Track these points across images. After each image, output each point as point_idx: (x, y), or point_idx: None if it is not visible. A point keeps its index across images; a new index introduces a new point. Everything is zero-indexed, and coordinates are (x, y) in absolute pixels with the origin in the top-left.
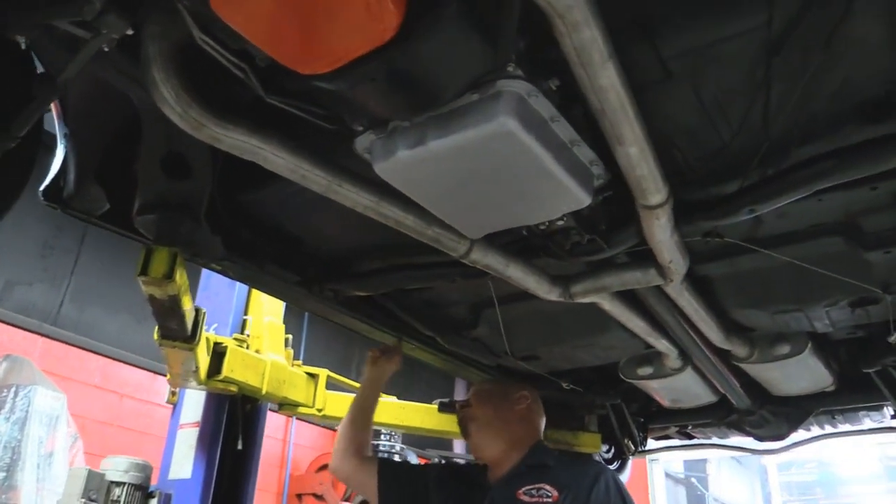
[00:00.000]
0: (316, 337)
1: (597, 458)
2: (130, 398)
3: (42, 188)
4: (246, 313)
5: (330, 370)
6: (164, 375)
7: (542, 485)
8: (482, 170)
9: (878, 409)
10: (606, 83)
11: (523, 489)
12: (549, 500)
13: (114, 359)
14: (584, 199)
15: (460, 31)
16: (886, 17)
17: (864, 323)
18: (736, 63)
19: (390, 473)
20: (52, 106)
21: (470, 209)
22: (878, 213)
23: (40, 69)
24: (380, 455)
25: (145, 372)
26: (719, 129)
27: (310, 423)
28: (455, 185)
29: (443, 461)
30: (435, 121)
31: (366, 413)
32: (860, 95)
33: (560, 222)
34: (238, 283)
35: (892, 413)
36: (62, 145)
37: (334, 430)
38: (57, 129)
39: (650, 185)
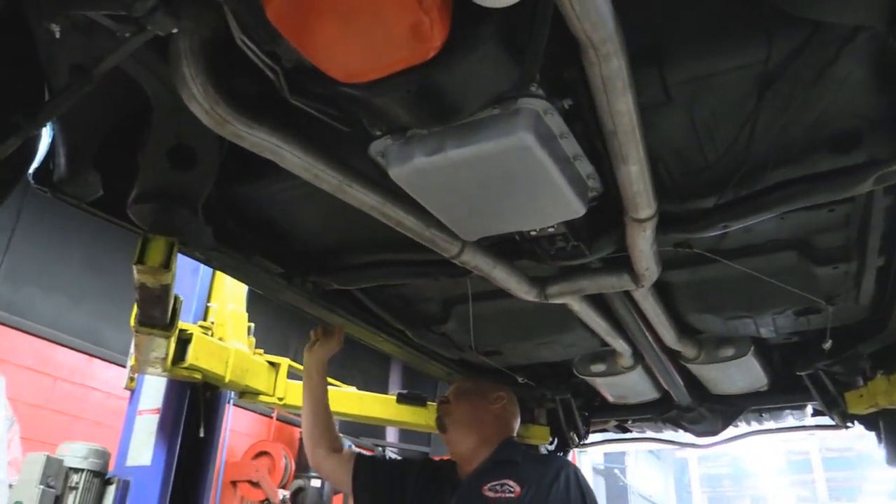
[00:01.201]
0: (257, 322)
1: (542, 449)
2: (65, 381)
3: (31, 171)
4: (209, 300)
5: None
6: (101, 358)
7: (506, 480)
8: (492, 179)
9: (801, 408)
10: (623, 108)
11: (488, 485)
12: (512, 495)
13: (49, 340)
14: (579, 210)
15: (495, 50)
16: (866, 62)
17: (802, 330)
18: (731, 92)
19: (365, 470)
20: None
21: (473, 214)
22: (831, 233)
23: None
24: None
25: (81, 355)
26: (705, 150)
27: (246, 409)
28: (464, 191)
29: (381, 449)
30: (454, 131)
31: (322, 401)
32: (833, 128)
33: (551, 229)
34: (202, 270)
35: (812, 412)
36: (49, 128)
37: (271, 418)
38: None
39: (643, 200)
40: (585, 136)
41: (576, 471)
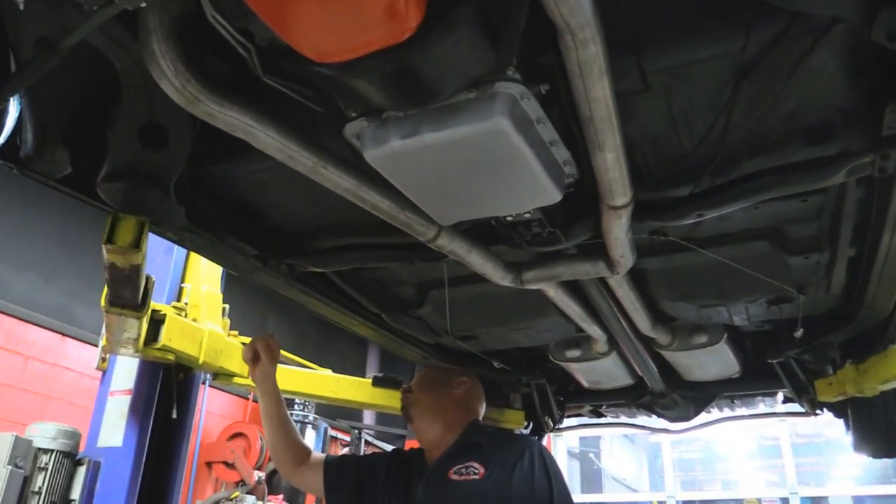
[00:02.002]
0: (232, 304)
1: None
2: (37, 360)
3: None
4: (183, 281)
5: (245, 336)
6: (74, 338)
7: (470, 463)
8: (468, 163)
9: (773, 395)
10: (600, 94)
11: (454, 468)
12: (476, 476)
13: (20, 319)
14: (555, 196)
15: (472, 33)
16: (843, 53)
17: (774, 318)
18: (708, 82)
19: (334, 473)
20: None
21: (448, 198)
22: (804, 223)
23: None
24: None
25: (53, 334)
26: (682, 139)
27: (222, 390)
28: (439, 175)
29: (356, 432)
30: (430, 114)
31: (283, 417)
32: (808, 118)
33: (527, 214)
34: (176, 251)
35: (783, 399)
36: (16, 102)
37: (247, 399)
38: None
39: (619, 188)
40: (562, 122)
41: (541, 449)
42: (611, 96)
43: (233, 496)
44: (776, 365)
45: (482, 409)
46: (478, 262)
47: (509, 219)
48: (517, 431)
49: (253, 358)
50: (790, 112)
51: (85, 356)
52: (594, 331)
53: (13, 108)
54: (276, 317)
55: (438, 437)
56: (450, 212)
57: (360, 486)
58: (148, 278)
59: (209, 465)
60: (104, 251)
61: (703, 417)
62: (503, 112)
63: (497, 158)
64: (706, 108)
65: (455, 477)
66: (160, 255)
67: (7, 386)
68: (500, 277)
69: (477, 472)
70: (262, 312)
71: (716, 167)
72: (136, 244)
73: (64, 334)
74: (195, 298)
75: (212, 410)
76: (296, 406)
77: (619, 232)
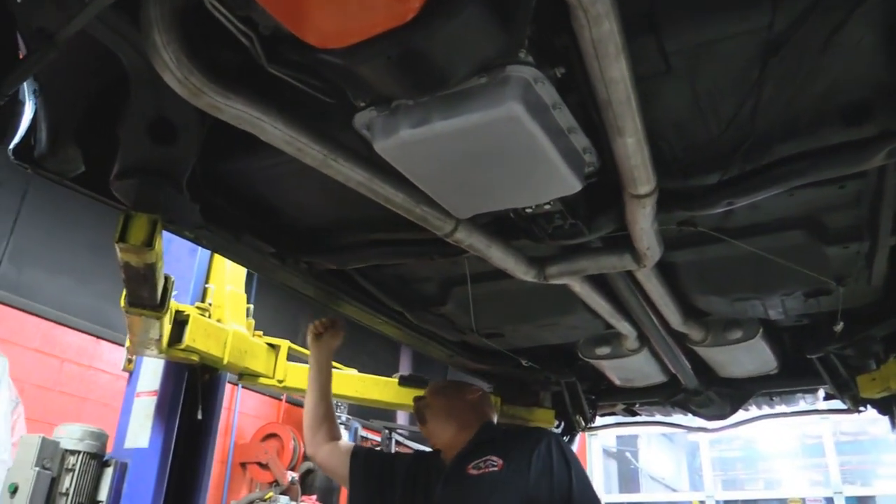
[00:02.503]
0: (265, 305)
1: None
2: (72, 363)
3: (12, 146)
4: (207, 282)
5: (278, 338)
6: (108, 340)
7: (488, 457)
8: (482, 152)
9: (813, 391)
10: (617, 75)
11: (472, 464)
12: (495, 468)
13: (55, 322)
14: (575, 185)
15: (479, 14)
16: (880, 25)
17: (812, 312)
18: (733, 61)
19: (361, 463)
20: None
21: (463, 190)
22: (842, 211)
23: None
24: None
25: (88, 336)
26: (708, 123)
27: (255, 391)
28: (453, 165)
29: (387, 431)
30: (440, 101)
31: (326, 393)
32: (842, 99)
33: (547, 206)
34: (199, 251)
35: (824, 396)
36: (31, 102)
37: (280, 400)
38: (25, 84)
39: (642, 175)
40: (581, 109)
41: (557, 439)
42: (629, 77)
43: (267, 496)
44: (816, 360)
45: (494, 417)
46: (498, 256)
47: (528, 210)
48: None
49: (316, 333)
50: (824, 91)
51: (119, 358)
52: (623, 327)
53: (28, 108)
54: (308, 319)
55: (453, 437)
56: (466, 204)
57: (381, 482)
58: (167, 278)
59: (243, 465)
60: (117, 250)
61: (740, 415)
62: (516, 97)
63: (512, 147)
64: (733, 89)
65: (474, 472)
66: (184, 256)
67: (44, 388)
68: (522, 272)
69: (496, 464)
70: (295, 314)
71: (745, 152)
72: (149, 242)
73: (98, 337)
74: (219, 299)
75: (245, 411)
76: None
77: (643, 223)
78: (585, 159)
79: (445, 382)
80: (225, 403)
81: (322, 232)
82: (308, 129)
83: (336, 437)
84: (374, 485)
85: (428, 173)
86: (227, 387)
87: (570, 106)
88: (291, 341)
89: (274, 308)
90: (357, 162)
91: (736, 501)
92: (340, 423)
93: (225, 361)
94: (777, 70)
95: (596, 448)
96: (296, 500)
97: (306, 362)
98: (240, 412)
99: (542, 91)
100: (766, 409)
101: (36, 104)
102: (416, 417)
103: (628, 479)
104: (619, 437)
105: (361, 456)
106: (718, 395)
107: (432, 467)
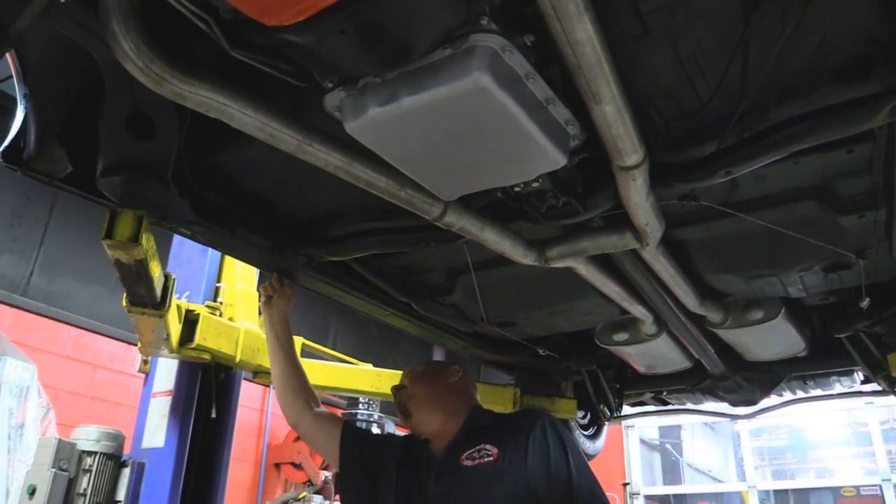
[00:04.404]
0: (295, 307)
1: (572, 423)
2: (104, 369)
3: (1, 149)
4: (219, 280)
5: (307, 339)
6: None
7: (482, 445)
8: (455, 128)
9: (849, 374)
10: (583, 37)
11: (465, 454)
12: (490, 458)
13: (86, 329)
14: (559, 160)
15: None
16: None
17: (836, 288)
18: (715, 19)
19: (354, 443)
20: (11, 65)
21: (443, 170)
22: (853, 177)
23: None
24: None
25: (119, 343)
26: (697, 89)
27: None
28: (428, 144)
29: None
30: (407, 77)
31: (291, 357)
32: (838, 55)
33: (535, 184)
34: (210, 250)
35: (862, 378)
36: (22, 105)
37: None
38: (17, 88)
39: (626, 145)
40: (562, 79)
41: (552, 420)
42: (596, 38)
43: (301, 496)
44: (845, 340)
45: (477, 396)
46: (493, 239)
47: (517, 190)
48: (569, 424)
49: (267, 296)
50: (816, 48)
51: None
52: (638, 311)
53: (19, 111)
54: (338, 318)
55: (440, 425)
56: (450, 185)
57: (374, 471)
58: (168, 276)
59: (277, 466)
60: (105, 247)
61: (772, 400)
62: (482, 67)
63: (487, 121)
64: (718, 49)
65: (468, 462)
66: (196, 256)
67: (77, 394)
68: (521, 255)
69: (490, 453)
70: (325, 314)
71: (740, 119)
72: (135, 238)
73: (130, 343)
74: (230, 297)
75: (277, 412)
76: (360, 405)
77: (636, 196)
78: (569, 132)
79: (424, 367)
80: (257, 405)
81: (318, 223)
82: (279, 115)
83: (316, 403)
84: (367, 473)
85: (405, 154)
86: (259, 388)
87: (552, 77)
88: (321, 343)
89: (304, 310)
90: (334, 146)
91: (786, 491)
92: (373, 422)
93: (237, 359)
94: (761, 26)
95: (633, 440)
96: (329, 499)
97: (322, 359)
98: (272, 413)
99: (511, 60)
100: (800, 394)
101: (26, 108)
102: (399, 412)
103: (671, 470)
104: (660, 429)
105: (354, 436)
106: (746, 380)
107: (422, 458)
